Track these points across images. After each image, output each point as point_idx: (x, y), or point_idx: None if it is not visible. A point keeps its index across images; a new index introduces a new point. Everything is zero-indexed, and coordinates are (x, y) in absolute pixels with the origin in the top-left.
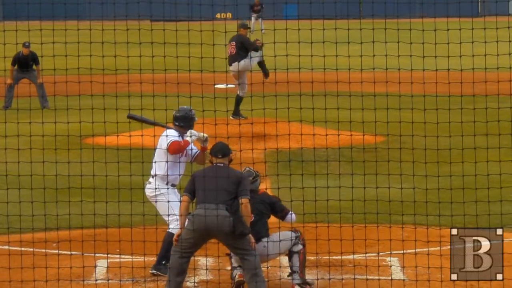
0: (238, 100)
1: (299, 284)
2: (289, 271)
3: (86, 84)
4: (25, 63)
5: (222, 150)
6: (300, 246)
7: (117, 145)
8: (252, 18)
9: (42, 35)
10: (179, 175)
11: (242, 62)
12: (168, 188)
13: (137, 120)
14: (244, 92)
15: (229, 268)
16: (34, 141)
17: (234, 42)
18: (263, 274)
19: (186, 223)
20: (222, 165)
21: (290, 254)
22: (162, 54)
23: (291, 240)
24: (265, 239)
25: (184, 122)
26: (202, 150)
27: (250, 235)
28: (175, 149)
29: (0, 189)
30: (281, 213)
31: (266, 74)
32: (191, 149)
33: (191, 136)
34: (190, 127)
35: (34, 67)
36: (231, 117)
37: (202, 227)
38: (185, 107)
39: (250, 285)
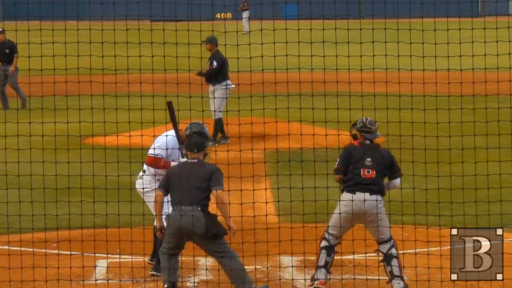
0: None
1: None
2: (388, 276)
3: (86, 84)
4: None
5: (197, 145)
6: (396, 250)
7: (116, 145)
8: (243, 18)
9: (41, 35)
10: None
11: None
12: (155, 184)
13: (169, 113)
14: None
15: None
16: (34, 141)
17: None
18: (248, 275)
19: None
20: (196, 161)
21: (387, 257)
22: (161, 54)
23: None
24: (380, 198)
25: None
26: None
27: (231, 220)
28: (150, 163)
29: (0, 189)
30: (394, 174)
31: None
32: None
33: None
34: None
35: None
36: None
37: (178, 227)
38: (199, 122)
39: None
